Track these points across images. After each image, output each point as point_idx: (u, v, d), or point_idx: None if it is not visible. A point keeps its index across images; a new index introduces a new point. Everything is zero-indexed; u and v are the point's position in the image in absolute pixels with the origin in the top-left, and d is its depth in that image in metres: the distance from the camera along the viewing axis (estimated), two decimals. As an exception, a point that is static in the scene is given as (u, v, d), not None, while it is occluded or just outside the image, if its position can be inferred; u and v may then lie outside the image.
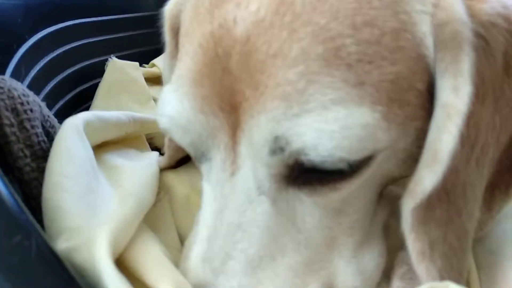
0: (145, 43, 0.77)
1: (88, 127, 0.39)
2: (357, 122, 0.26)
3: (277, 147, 0.27)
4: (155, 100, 0.65)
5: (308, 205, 0.30)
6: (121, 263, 0.30)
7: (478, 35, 0.27)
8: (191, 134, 0.30)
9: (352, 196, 0.31)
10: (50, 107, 0.49)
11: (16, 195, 0.25)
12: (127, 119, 0.46)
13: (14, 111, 0.34)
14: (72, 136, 0.36)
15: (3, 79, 0.35)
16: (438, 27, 0.27)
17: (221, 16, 0.28)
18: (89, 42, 0.65)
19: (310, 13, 0.26)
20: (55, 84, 0.57)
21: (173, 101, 0.30)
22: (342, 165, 0.27)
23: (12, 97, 0.34)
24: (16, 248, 0.20)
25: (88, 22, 0.65)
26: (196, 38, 0.29)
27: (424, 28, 0.27)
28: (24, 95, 0.35)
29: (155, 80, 0.72)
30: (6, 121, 0.33)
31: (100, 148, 0.42)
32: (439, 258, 0.29)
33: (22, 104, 0.34)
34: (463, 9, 0.27)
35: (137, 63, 0.68)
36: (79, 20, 0.64)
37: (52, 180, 0.33)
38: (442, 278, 0.29)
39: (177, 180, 0.45)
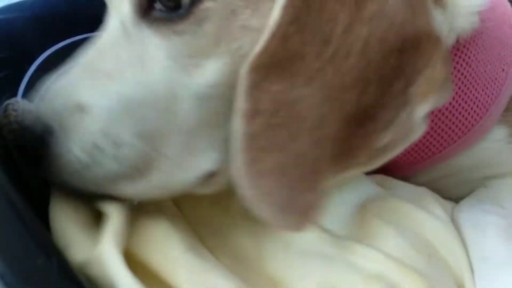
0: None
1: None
2: None
3: None
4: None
5: (155, 47, 0.32)
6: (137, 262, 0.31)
7: None
8: None
9: (199, 50, 0.31)
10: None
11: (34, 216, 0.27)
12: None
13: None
14: None
15: (17, 101, 0.37)
16: None
17: None
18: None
19: None
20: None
21: None
22: None
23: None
24: (40, 269, 0.22)
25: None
26: None
27: None
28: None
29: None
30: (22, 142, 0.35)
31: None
32: (273, 153, 0.29)
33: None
34: None
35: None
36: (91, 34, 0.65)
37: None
38: (260, 186, 0.28)
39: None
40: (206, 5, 0.30)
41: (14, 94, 0.50)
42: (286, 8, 0.28)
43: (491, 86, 0.46)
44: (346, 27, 0.29)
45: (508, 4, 0.53)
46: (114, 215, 0.32)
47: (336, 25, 0.29)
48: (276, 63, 0.28)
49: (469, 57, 0.44)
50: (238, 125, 0.29)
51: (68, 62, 0.35)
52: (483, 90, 0.45)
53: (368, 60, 0.29)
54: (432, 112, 0.42)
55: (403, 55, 0.30)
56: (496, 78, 0.46)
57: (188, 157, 0.33)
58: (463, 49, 0.44)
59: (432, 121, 0.44)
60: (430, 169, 0.50)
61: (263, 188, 0.29)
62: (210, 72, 0.31)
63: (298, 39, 0.28)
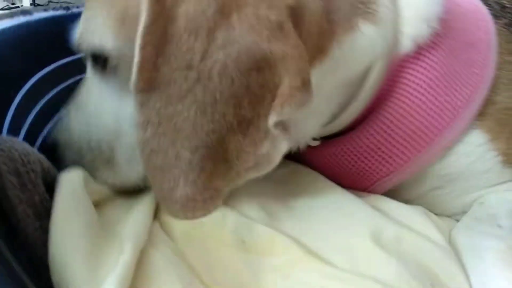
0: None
1: (87, 180, 0.41)
2: (92, 25, 0.41)
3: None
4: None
5: (96, 86, 0.46)
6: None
7: None
8: None
9: (120, 92, 0.43)
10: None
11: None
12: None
13: (15, 173, 0.35)
14: (71, 195, 0.38)
15: (3, 140, 0.36)
16: None
17: None
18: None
19: None
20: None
21: None
22: None
23: (13, 159, 0.35)
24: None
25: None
26: None
27: None
28: (24, 154, 0.36)
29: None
30: (9, 185, 0.34)
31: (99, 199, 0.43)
32: (160, 154, 0.35)
33: (23, 165, 0.35)
34: None
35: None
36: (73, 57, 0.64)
37: (57, 240, 0.35)
38: (154, 177, 0.36)
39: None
40: (113, 64, 0.41)
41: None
42: (144, 46, 0.34)
43: (461, 89, 0.46)
44: (202, 54, 0.34)
45: (485, 10, 0.52)
46: (127, 251, 0.35)
47: (194, 53, 0.34)
48: (155, 86, 0.35)
49: (432, 61, 0.45)
50: (137, 134, 0.36)
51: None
52: (452, 93, 0.46)
53: (231, 79, 0.34)
54: (403, 115, 0.45)
55: (262, 73, 0.35)
56: (467, 82, 0.47)
57: (132, 159, 0.44)
58: (424, 53, 0.45)
59: (403, 123, 0.46)
60: (416, 180, 0.50)
61: (155, 179, 0.36)
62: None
63: (166, 68, 0.35)
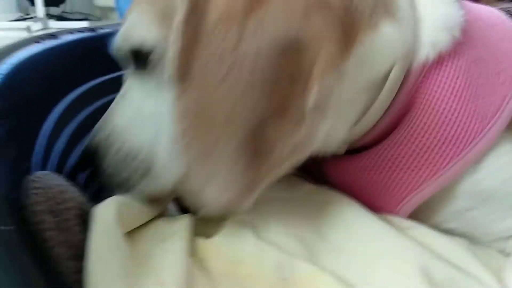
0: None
1: (121, 213, 0.40)
2: (137, 26, 0.42)
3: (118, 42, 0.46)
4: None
5: (137, 84, 0.46)
6: None
7: None
8: None
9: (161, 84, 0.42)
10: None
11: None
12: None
13: (53, 213, 0.33)
14: (105, 233, 0.37)
15: (38, 177, 0.35)
16: None
17: None
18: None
19: None
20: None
21: None
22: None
23: (51, 198, 0.34)
24: None
25: (108, 79, 0.65)
26: None
27: None
28: (61, 192, 0.35)
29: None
30: (46, 225, 0.32)
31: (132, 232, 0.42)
32: (199, 144, 0.36)
33: (59, 203, 0.34)
34: None
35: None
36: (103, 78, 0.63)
37: (93, 282, 0.34)
38: (192, 168, 0.37)
39: (214, 252, 0.43)
40: (156, 57, 0.42)
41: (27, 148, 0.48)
42: (179, 36, 0.36)
43: (489, 98, 0.45)
44: (235, 43, 0.35)
45: (508, 20, 0.52)
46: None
47: (228, 43, 0.35)
48: (190, 77, 0.36)
49: (455, 70, 0.45)
50: (174, 126, 0.37)
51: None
52: (479, 103, 0.45)
53: (264, 64, 0.35)
54: (429, 125, 0.45)
55: (295, 54, 0.35)
56: (495, 91, 0.46)
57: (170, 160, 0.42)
58: (447, 62, 0.45)
59: (430, 134, 0.45)
60: (447, 197, 0.48)
61: (192, 173, 0.37)
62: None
63: (202, 57, 0.36)
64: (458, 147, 0.44)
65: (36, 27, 3.57)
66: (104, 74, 0.63)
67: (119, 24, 0.69)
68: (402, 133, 0.46)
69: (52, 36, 0.56)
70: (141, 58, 0.43)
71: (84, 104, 0.60)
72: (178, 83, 0.37)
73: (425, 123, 0.45)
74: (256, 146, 0.36)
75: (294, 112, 0.36)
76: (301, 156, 0.38)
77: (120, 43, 0.45)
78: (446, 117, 0.44)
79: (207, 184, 0.36)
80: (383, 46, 0.43)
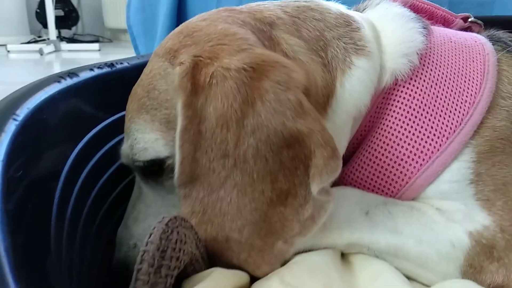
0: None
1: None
2: (142, 142, 0.45)
3: (124, 158, 0.50)
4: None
5: (149, 192, 0.50)
6: None
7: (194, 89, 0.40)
8: None
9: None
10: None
11: None
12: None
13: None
14: None
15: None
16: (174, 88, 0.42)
17: None
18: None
19: (136, 88, 0.49)
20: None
21: None
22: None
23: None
24: None
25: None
26: None
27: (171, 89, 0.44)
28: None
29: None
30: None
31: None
32: (209, 242, 0.39)
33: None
34: (184, 74, 0.41)
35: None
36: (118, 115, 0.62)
37: None
38: (210, 243, 0.40)
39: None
40: (168, 164, 0.45)
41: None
42: (182, 144, 0.40)
43: (448, 116, 0.48)
44: (235, 142, 0.38)
45: (487, 45, 0.55)
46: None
47: (228, 143, 0.38)
48: (193, 177, 0.40)
49: (411, 92, 0.49)
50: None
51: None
52: (437, 121, 0.48)
53: (265, 159, 0.38)
54: (388, 144, 0.49)
55: (292, 148, 0.38)
56: (455, 109, 0.48)
57: None
58: (403, 85, 0.50)
59: (389, 152, 0.48)
60: None
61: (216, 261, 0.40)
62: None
63: (204, 160, 0.39)
64: (417, 162, 0.47)
65: (48, 50, 3.63)
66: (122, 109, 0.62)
67: (135, 57, 0.69)
68: (364, 154, 0.50)
69: (73, 74, 0.55)
70: (155, 167, 0.46)
71: (104, 140, 0.59)
72: (184, 185, 0.40)
73: (383, 143, 0.48)
74: (265, 230, 0.39)
75: (294, 198, 0.39)
76: (310, 232, 0.40)
77: (131, 157, 0.47)
78: (403, 135, 0.48)
79: (238, 262, 0.39)
80: (360, 79, 0.48)
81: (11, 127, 0.42)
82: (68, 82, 0.53)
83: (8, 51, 3.65)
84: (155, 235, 0.34)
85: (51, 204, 0.46)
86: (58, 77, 0.53)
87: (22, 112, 0.44)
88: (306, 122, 0.38)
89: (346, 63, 0.48)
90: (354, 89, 0.48)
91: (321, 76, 0.46)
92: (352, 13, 0.54)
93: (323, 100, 0.46)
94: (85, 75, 0.57)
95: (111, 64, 0.62)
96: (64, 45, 3.93)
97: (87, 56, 3.85)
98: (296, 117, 0.38)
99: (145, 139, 0.45)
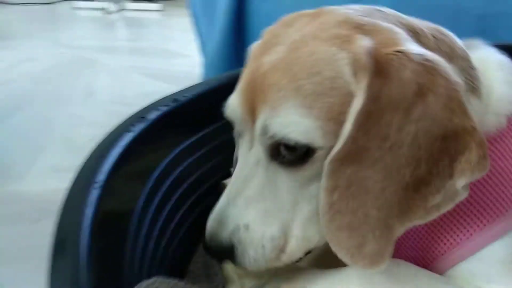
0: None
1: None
2: (301, 125, 0.44)
3: (264, 132, 0.46)
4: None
5: (283, 176, 0.48)
6: None
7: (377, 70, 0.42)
8: (236, 116, 0.50)
9: (311, 176, 0.46)
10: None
11: None
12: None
13: None
14: None
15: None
16: (354, 68, 0.43)
17: (257, 62, 0.49)
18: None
19: (291, 66, 0.46)
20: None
21: (231, 97, 0.51)
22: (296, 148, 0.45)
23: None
24: None
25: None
26: (246, 71, 0.51)
27: (347, 73, 0.43)
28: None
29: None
30: None
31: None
32: (347, 215, 0.42)
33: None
34: (368, 55, 0.42)
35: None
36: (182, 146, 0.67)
37: None
38: (339, 237, 0.42)
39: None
40: (317, 154, 0.45)
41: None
42: (355, 124, 0.41)
43: None
44: (399, 127, 0.41)
45: None
46: None
47: (392, 127, 0.41)
48: (348, 155, 0.41)
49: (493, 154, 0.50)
50: (322, 197, 0.43)
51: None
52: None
53: (418, 147, 0.41)
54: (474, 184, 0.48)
55: (446, 141, 0.41)
56: None
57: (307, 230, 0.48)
58: (505, 133, 0.51)
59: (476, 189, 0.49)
60: None
61: (339, 238, 0.43)
62: (315, 186, 0.47)
63: (364, 139, 0.41)
64: (495, 211, 0.48)
65: (113, 8, 3.74)
66: (184, 141, 0.67)
67: (199, 85, 0.72)
68: None
69: (142, 118, 0.59)
70: (294, 153, 0.45)
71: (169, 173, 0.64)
72: (334, 162, 0.42)
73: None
74: (399, 212, 0.42)
75: (428, 186, 0.41)
76: (433, 216, 0.43)
77: (272, 134, 0.45)
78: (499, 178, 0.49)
79: (359, 248, 0.42)
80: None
81: (93, 194, 0.48)
82: (137, 129, 0.58)
83: (74, 8, 3.83)
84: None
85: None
86: (129, 125, 0.57)
87: (101, 176, 0.49)
88: (469, 121, 0.41)
89: (465, 98, 0.46)
90: None
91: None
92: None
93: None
94: (152, 115, 0.61)
95: (175, 99, 0.65)
96: (129, 4, 4.01)
97: (150, 16, 3.92)
98: (462, 115, 0.41)
99: (304, 124, 0.44)
